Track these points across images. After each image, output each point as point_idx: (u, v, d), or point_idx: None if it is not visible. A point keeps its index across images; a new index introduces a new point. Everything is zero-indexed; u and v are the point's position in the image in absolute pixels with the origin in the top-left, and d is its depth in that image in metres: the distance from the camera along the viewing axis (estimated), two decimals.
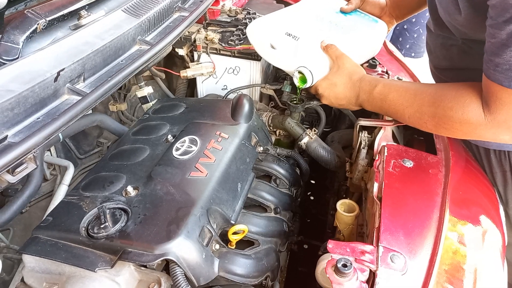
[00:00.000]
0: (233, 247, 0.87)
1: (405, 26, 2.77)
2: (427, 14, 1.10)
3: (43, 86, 0.75)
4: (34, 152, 0.69)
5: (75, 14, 0.96)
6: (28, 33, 0.82)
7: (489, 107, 0.80)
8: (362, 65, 1.30)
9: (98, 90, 0.83)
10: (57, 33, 0.92)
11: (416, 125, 0.94)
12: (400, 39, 2.85)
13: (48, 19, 0.87)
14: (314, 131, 1.23)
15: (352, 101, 1.07)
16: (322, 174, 1.51)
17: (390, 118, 1.08)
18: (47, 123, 0.72)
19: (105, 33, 0.95)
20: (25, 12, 0.84)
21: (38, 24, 0.85)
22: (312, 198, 1.57)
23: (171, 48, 1.34)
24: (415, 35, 2.80)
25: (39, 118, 0.75)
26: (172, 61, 1.70)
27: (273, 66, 1.57)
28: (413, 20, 2.74)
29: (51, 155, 1.25)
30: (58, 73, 0.78)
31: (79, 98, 0.81)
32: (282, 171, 1.09)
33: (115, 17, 1.01)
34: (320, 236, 1.30)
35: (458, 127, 0.86)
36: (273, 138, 1.35)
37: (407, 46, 2.84)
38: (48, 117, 0.76)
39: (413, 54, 2.87)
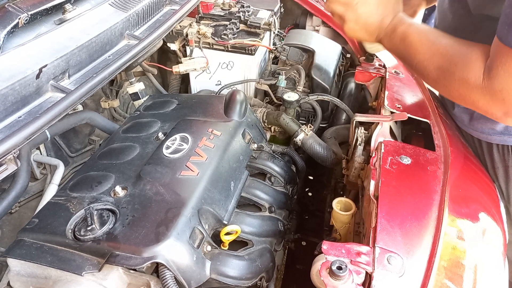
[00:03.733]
0: (226, 248, 0.85)
1: None
2: None
3: (24, 83, 0.72)
4: (14, 153, 0.66)
5: (60, 8, 0.93)
6: (9, 28, 0.79)
7: (490, 71, 0.75)
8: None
9: (83, 87, 0.80)
10: (41, 28, 0.89)
11: (419, 73, 0.90)
12: None
13: (30, 13, 0.84)
14: (310, 127, 1.20)
15: (375, 23, 0.97)
16: (320, 170, 1.48)
17: (387, 114, 1.05)
18: (28, 122, 0.69)
19: (91, 28, 0.91)
20: (5, 6, 0.81)
21: (19, 19, 0.81)
22: (310, 194, 1.55)
23: (161, 42, 1.30)
24: None
25: (20, 117, 0.72)
26: (166, 56, 1.67)
27: (268, 61, 1.54)
28: None
29: (41, 154, 1.22)
30: (40, 70, 0.75)
31: (63, 95, 0.78)
32: (276, 168, 1.06)
33: (101, 11, 0.98)
34: (319, 233, 1.28)
35: (455, 86, 0.81)
36: (268, 134, 1.32)
37: None
38: (30, 116, 0.72)
39: None
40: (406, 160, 0.89)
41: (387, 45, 0.98)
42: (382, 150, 0.91)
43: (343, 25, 1.01)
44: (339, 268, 0.64)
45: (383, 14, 0.96)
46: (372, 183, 0.84)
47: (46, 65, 0.76)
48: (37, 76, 0.75)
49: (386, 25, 0.96)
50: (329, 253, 0.69)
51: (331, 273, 0.64)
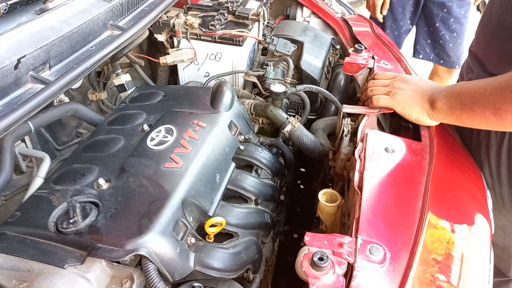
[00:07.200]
0: (211, 241, 0.84)
1: (437, 24, 2.39)
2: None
3: (2, 74, 0.71)
4: None
5: None
6: None
7: None
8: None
9: (64, 78, 0.79)
10: (21, 18, 0.87)
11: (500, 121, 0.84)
12: (429, 41, 2.49)
13: (9, 3, 0.82)
14: (298, 118, 1.19)
15: (427, 95, 0.98)
16: (310, 162, 1.48)
17: None
18: (6, 113, 0.68)
19: (73, 18, 0.89)
20: None
21: None
22: (302, 186, 1.55)
23: (147, 33, 1.28)
24: (448, 38, 2.41)
25: None
26: (155, 48, 1.65)
27: (257, 52, 1.52)
28: (451, 19, 2.35)
29: (27, 147, 1.20)
30: (19, 60, 0.73)
31: (43, 86, 0.76)
32: (263, 160, 1.06)
33: (84, 1, 0.96)
34: (310, 226, 1.28)
35: None
36: (256, 126, 1.31)
37: (436, 51, 2.49)
38: (8, 107, 0.71)
39: (442, 62, 2.51)
40: (391, 151, 0.89)
41: (447, 105, 0.94)
42: (367, 141, 0.91)
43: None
44: (321, 259, 0.64)
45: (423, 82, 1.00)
46: (357, 174, 0.84)
47: (24, 56, 0.75)
48: (15, 67, 0.73)
49: (433, 89, 0.98)
50: (312, 244, 0.69)
51: (313, 264, 0.64)
